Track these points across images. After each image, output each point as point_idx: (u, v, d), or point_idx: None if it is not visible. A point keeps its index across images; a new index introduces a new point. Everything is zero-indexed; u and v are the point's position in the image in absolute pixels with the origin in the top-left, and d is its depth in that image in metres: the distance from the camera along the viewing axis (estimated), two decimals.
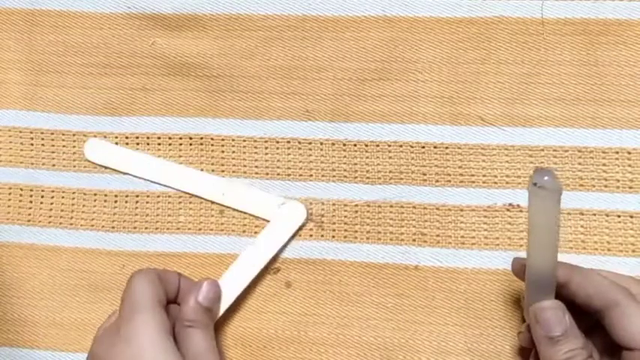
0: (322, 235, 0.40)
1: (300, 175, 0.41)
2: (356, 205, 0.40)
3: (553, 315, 0.32)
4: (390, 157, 0.40)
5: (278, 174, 0.41)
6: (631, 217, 0.39)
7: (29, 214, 0.42)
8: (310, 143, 0.41)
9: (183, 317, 0.36)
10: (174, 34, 0.42)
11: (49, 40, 0.43)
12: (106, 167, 0.42)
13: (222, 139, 0.41)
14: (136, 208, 0.41)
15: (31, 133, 0.42)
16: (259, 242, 0.40)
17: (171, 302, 0.37)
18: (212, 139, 0.41)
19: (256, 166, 0.41)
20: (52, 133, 0.42)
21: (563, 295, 0.34)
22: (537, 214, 0.32)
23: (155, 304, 0.35)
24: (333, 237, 0.40)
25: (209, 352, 0.36)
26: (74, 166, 0.42)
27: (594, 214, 0.39)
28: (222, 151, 0.41)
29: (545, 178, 0.30)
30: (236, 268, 0.39)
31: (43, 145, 0.42)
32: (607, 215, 0.39)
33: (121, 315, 0.35)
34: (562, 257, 0.38)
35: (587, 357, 0.32)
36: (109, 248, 0.41)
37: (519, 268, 0.35)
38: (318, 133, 0.41)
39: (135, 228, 0.41)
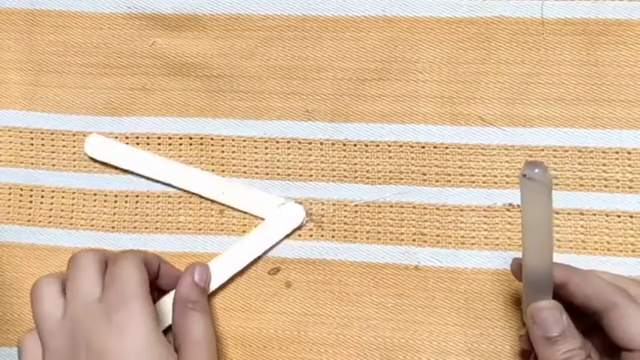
0: (322, 235, 0.40)
1: (300, 175, 0.41)
2: (356, 205, 0.40)
3: (550, 315, 0.32)
4: (390, 157, 0.40)
5: (278, 174, 0.41)
6: (631, 217, 0.39)
7: (29, 214, 0.42)
8: (310, 143, 0.41)
9: (186, 299, 0.36)
10: (174, 34, 0.42)
11: (49, 40, 0.43)
12: (105, 164, 0.42)
13: (222, 139, 0.41)
14: (136, 208, 0.41)
15: (31, 133, 0.42)
16: (249, 238, 0.40)
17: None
18: (212, 139, 0.41)
19: (256, 166, 0.41)
20: (52, 133, 0.42)
21: (561, 295, 0.34)
22: (529, 208, 0.32)
23: (147, 290, 0.34)
24: (333, 237, 0.40)
25: (211, 341, 0.36)
26: (74, 166, 0.42)
27: (594, 214, 0.39)
28: (222, 151, 0.41)
29: (536, 170, 0.30)
30: (219, 261, 0.40)
31: (43, 145, 0.42)
32: (607, 215, 0.39)
33: (111, 300, 0.33)
34: (562, 257, 0.38)
35: (585, 357, 0.32)
36: (109, 248, 0.41)
37: (517, 269, 0.35)
38: (318, 133, 0.41)
39: (135, 228, 0.41)
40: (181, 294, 0.37)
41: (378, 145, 0.40)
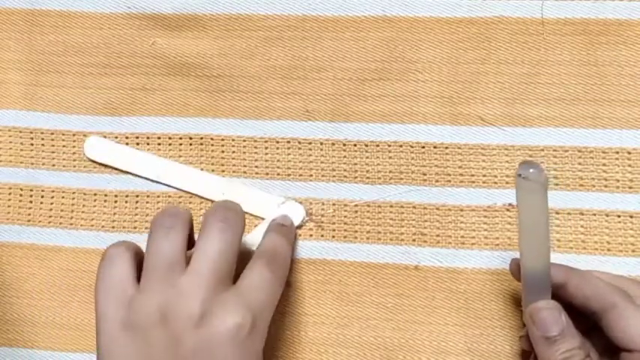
0: (322, 235, 0.40)
1: (300, 175, 0.41)
2: (356, 205, 0.40)
3: (549, 315, 0.32)
4: (390, 157, 0.40)
5: (278, 174, 0.41)
6: (631, 217, 0.39)
7: (29, 214, 0.42)
8: (310, 143, 0.41)
9: (280, 222, 0.39)
10: (174, 34, 0.42)
11: (49, 40, 0.43)
12: (105, 165, 0.42)
13: (222, 139, 0.41)
14: (136, 208, 0.41)
15: (31, 133, 0.43)
16: (248, 237, 0.40)
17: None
18: (212, 139, 0.41)
19: (256, 166, 0.41)
20: (52, 133, 0.42)
21: (560, 296, 0.34)
22: (525, 208, 0.32)
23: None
24: (333, 237, 0.40)
25: (288, 261, 0.38)
26: (74, 166, 0.42)
27: (594, 214, 0.39)
28: (222, 151, 0.41)
29: (531, 170, 0.31)
30: None
31: (43, 145, 0.42)
32: (607, 215, 0.39)
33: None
34: (562, 257, 0.38)
35: (584, 357, 0.32)
36: None
37: (516, 269, 0.35)
38: (318, 133, 0.41)
39: (135, 228, 0.41)
40: (275, 220, 0.38)
41: (378, 145, 0.40)
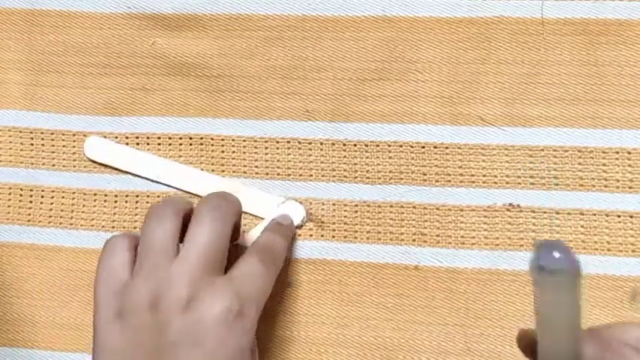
0: (322, 235, 0.40)
1: (300, 175, 0.41)
2: (356, 205, 0.40)
3: None
4: (390, 157, 0.40)
5: (278, 174, 0.41)
6: (631, 217, 0.39)
7: (29, 214, 0.42)
8: (310, 143, 0.41)
9: (279, 220, 0.39)
10: (174, 34, 0.42)
11: (49, 40, 0.43)
12: (105, 165, 0.42)
13: (222, 139, 0.41)
14: (136, 208, 0.41)
15: (31, 133, 0.43)
16: (248, 235, 0.40)
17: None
18: (212, 139, 0.41)
19: (256, 166, 0.41)
20: (52, 133, 0.42)
21: None
22: (550, 304, 0.22)
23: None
24: (333, 237, 0.40)
25: (282, 262, 0.38)
26: (74, 166, 0.42)
27: (594, 214, 0.39)
28: (222, 151, 0.41)
29: (556, 255, 0.21)
30: None
31: (43, 145, 0.42)
32: (607, 215, 0.39)
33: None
34: None
35: None
36: None
37: (526, 345, 0.29)
38: (318, 133, 0.41)
39: (135, 228, 0.41)
40: (275, 219, 0.39)
41: (378, 145, 0.40)
